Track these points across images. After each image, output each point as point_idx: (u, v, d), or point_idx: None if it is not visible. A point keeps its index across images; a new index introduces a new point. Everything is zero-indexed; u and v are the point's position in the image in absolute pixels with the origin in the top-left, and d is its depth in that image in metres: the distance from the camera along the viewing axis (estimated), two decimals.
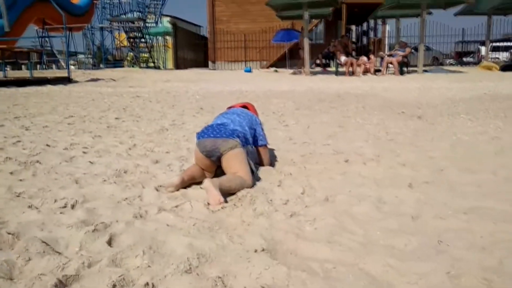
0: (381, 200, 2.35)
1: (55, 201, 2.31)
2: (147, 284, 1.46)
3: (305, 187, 2.56)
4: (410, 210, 2.17)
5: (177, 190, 2.53)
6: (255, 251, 1.71)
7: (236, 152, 2.61)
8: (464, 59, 26.27)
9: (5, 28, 12.93)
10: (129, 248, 1.71)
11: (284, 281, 1.49)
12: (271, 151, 3.55)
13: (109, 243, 1.80)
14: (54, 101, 7.82)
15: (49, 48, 22.91)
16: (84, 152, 3.57)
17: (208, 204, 2.28)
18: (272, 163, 3.15)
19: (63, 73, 15.36)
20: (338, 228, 1.96)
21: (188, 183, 2.60)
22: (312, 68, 18.77)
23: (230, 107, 3.25)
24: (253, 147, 3.01)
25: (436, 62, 26.58)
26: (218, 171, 2.76)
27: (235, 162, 2.59)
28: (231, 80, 14.59)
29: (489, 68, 17.71)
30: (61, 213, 2.15)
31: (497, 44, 24.65)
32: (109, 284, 1.44)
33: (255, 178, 2.74)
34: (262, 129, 3.07)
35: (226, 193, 2.38)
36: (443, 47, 28.70)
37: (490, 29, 20.11)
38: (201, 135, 2.73)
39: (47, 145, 3.82)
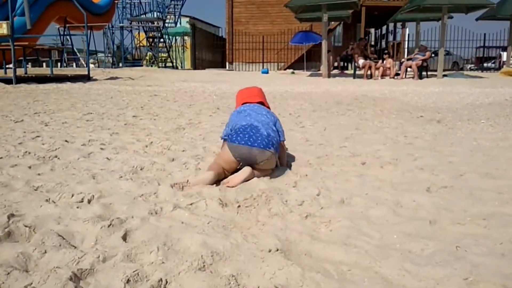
0: (398, 204, 2.32)
1: (72, 195, 2.34)
2: (161, 280, 1.46)
3: (321, 189, 2.54)
4: (427, 215, 2.14)
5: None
6: (269, 251, 1.70)
7: (272, 161, 2.81)
8: (485, 64, 25.86)
9: (27, 26, 13.18)
10: (144, 244, 1.71)
11: (298, 282, 1.47)
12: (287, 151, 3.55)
13: (124, 238, 1.81)
14: (74, 98, 7.93)
15: (70, 46, 23.24)
16: (101, 149, 3.60)
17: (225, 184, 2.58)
18: (288, 163, 3.14)
19: (83, 71, 15.58)
20: (353, 231, 1.94)
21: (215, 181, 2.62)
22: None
23: (244, 103, 3.19)
24: None
25: (456, 67, 26.26)
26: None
27: (269, 168, 2.83)
28: (248, 81, 14.61)
29: (510, 74, 17.38)
30: (77, 207, 2.17)
31: None
32: (123, 279, 1.45)
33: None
34: (281, 125, 3.09)
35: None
36: (463, 52, 28.36)
37: None
38: (236, 139, 2.74)
39: (66, 141, 3.87)
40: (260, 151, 2.68)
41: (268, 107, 3.25)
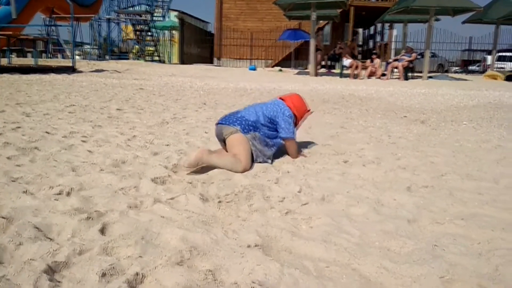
0: (379, 202, 2.33)
1: (51, 187, 2.30)
2: (137, 274, 1.44)
3: (303, 186, 2.54)
4: (407, 214, 2.15)
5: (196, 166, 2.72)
6: (249, 246, 1.69)
7: (235, 136, 2.88)
8: (470, 67, 26.18)
9: (12, 15, 12.94)
10: (122, 238, 1.69)
11: (277, 277, 1.47)
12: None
13: (102, 231, 1.78)
14: (57, 90, 7.81)
15: (55, 37, 22.90)
16: (83, 141, 3.55)
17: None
18: (271, 159, 3.13)
19: (67, 63, 15.37)
20: (334, 228, 1.94)
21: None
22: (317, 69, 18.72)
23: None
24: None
25: (441, 69, 26.54)
26: None
27: (234, 145, 2.87)
28: (235, 77, 14.58)
29: (494, 78, 17.66)
30: (56, 200, 2.13)
31: (503, 54, 24.59)
32: (99, 272, 1.42)
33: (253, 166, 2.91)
34: (288, 123, 3.14)
35: (212, 167, 2.74)
36: (449, 54, 28.62)
37: (497, 38, 20.02)
38: (217, 123, 3.09)
39: (47, 132, 3.81)
40: (225, 126, 2.92)
41: (290, 107, 3.25)
